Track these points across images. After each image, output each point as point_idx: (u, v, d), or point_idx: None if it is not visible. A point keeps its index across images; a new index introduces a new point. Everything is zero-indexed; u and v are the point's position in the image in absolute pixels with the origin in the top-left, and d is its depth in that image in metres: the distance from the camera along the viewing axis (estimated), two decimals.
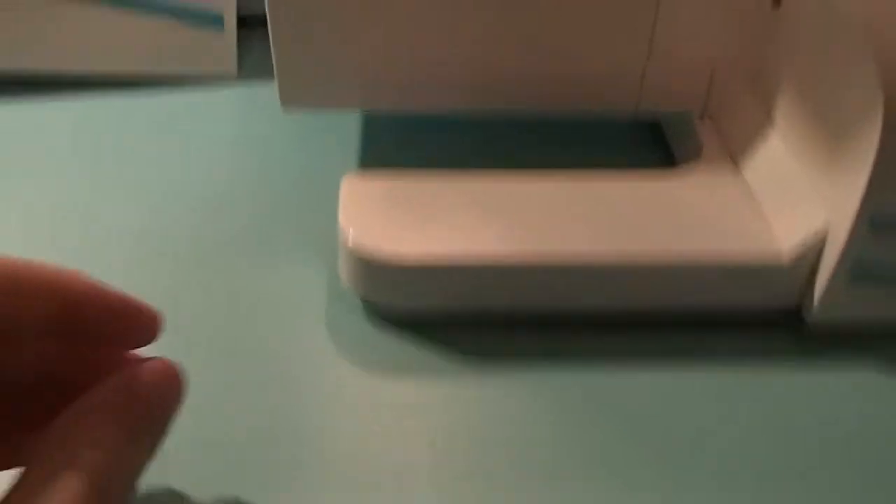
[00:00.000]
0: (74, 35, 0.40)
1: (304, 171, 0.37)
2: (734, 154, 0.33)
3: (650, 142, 0.39)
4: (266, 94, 0.41)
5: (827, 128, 0.28)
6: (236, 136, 0.40)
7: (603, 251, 0.28)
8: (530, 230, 0.29)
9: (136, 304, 0.20)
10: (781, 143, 0.31)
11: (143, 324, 0.20)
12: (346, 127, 0.40)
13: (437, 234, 0.29)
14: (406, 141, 0.39)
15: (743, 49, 0.33)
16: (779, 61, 0.32)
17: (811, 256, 0.28)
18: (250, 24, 0.43)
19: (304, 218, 0.34)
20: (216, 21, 0.41)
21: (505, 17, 0.32)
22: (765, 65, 0.33)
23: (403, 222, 0.29)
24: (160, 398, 0.18)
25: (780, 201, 0.30)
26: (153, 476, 0.20)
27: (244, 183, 0.36)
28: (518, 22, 0.32)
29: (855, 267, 0.27)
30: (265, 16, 0.31)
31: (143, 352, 0.21)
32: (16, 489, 0.15)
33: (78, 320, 0.18)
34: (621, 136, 0.39)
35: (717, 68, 0.34)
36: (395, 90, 0.34)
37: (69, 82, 0.42)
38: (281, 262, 0.32)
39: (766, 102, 0.33)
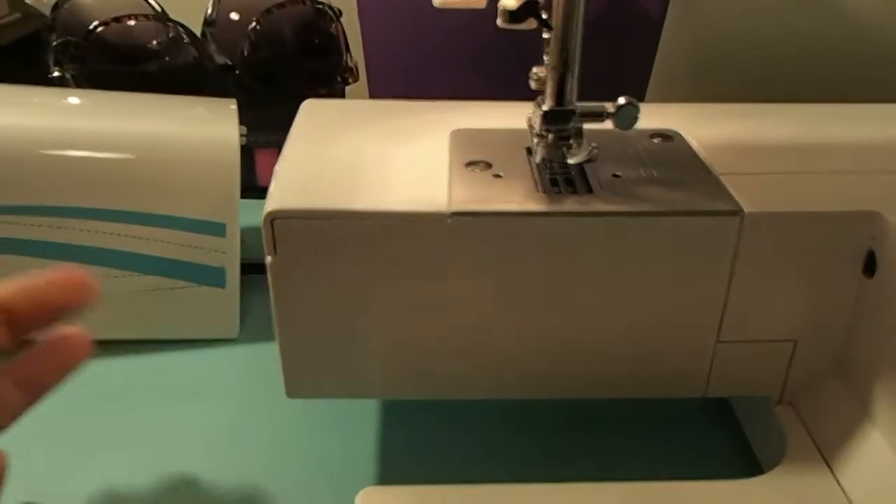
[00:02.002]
0: None
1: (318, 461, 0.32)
2: (824, 451, 0.27)
3: (717, 417, 0.33)
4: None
5: None
6: (237, 419, 0.34)
7: None
8: None
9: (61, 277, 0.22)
10: (884, 443, 0.25)
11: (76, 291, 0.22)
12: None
13: None
14: (430, 421, 0.33)
15: (828, 326, 0.28)
16: (875, 339, 0.27)
17: None
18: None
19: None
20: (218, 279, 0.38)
21: (557, 303, 0.27)
22: (854, 344, 0.28)
23: None
24: None
25: None
26: None
27: (249, 475, 0.31)
28: (570, 307, 0.28)
29: None
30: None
31: None
32: None
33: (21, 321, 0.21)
34: (682, 412, 0.33)
35: (797, 348, 0.29)
36: (422, 378, 0.29)
37: None
38: None
39: (859, 388, 0.27)
